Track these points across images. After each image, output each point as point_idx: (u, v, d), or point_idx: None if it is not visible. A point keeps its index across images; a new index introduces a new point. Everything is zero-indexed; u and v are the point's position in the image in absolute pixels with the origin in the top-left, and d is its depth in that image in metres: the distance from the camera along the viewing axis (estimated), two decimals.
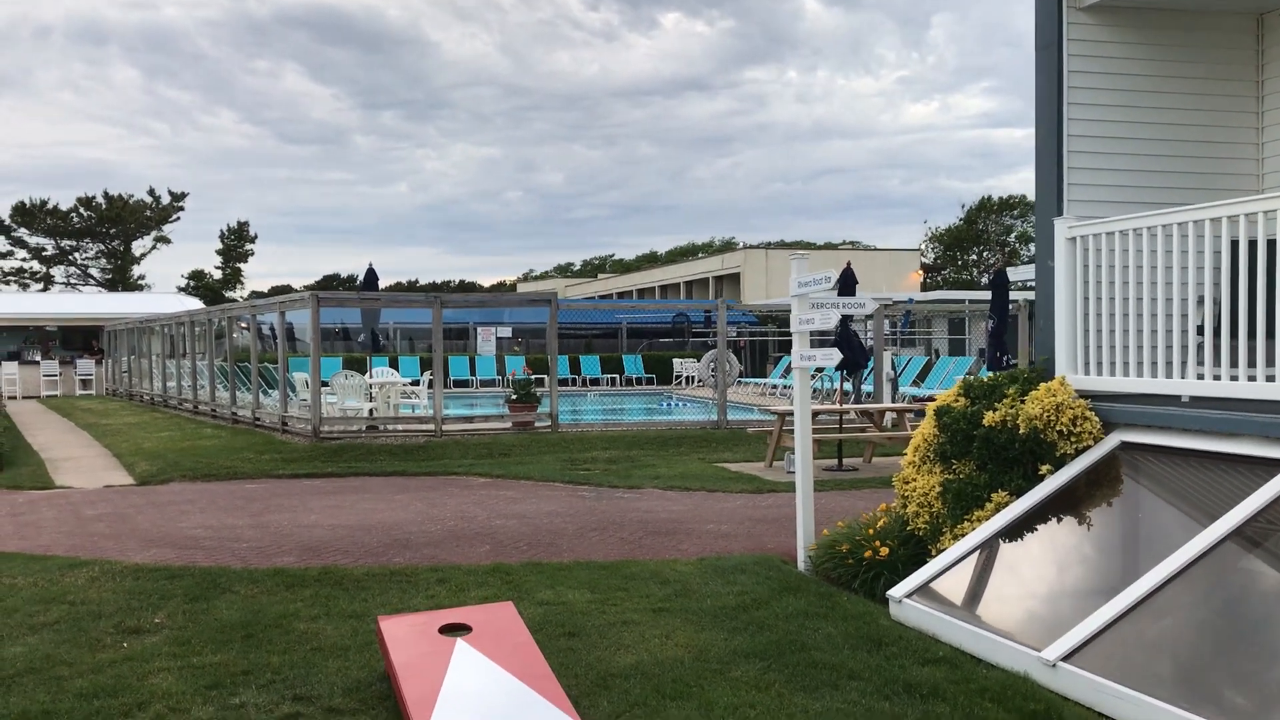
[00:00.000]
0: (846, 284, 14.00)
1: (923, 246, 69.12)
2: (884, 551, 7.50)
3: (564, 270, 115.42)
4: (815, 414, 15.27)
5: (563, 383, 33.98)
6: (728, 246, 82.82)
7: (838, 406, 15.14)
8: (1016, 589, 6.58)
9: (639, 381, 37.81)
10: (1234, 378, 6.65)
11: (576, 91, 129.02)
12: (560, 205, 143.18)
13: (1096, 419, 7.03)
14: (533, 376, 21.33)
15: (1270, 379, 6.14)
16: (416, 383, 22.00)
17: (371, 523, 10.69)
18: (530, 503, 11.92)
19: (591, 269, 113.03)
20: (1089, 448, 7.01)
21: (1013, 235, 68.71)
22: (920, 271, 64.07)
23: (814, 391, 24.75)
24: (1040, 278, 7.87)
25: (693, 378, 36.01)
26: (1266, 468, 5.87)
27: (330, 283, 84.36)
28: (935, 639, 6.20)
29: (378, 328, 22.26)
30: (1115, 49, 7.76)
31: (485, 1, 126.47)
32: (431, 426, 17.81)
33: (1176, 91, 7.89)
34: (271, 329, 23.99)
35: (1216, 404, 6.45)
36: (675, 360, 38.05)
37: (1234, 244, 6.38)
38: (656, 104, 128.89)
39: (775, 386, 28.80)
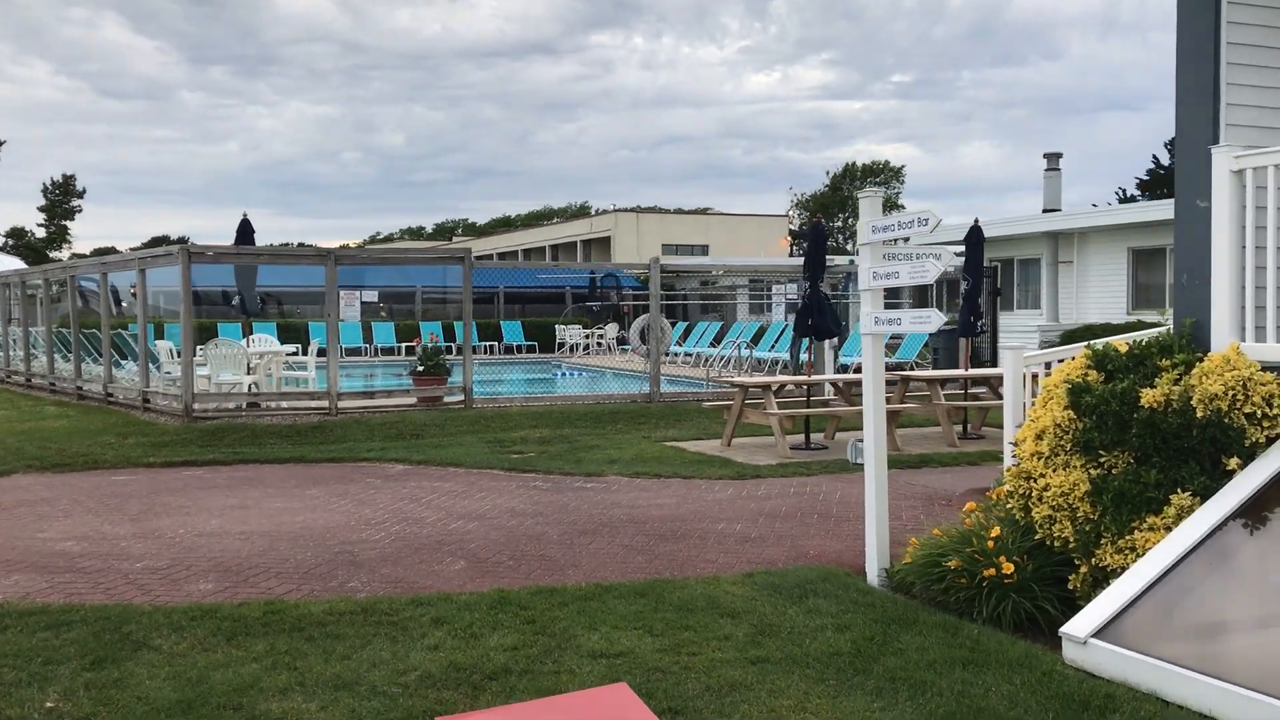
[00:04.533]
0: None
1: (789, 213, 68.67)
2: (1008, 568, 5.92)
3: (415, 233, 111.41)
4: (780, 387, 13.70)
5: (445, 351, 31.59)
6: (583, 211, 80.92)
7: (807, 378, 13.59)
8: (1263, 626, 5.04)
9: (519, 349, 35.74)
10: None
11: (418, 50, 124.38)
12: (402, 167, 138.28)
13: None
14: (440, 344, 19.13)
15: None
16: (295, 353, 19.52)
17: (294, 529, 8.58)
18: (480, 498, 9.96)
19: (444, 232, 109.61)
20: None
21: None
22: (788, 238, 63.59)
23: (758, 362, 23.27)
24: (1184, 222, 6.39)
25: (577, 345, 34.16)
26: None
27: (159, 245, 78.80)
28: (1159, 697, 4.63)
29: (254, 290, 19.64)
30: None
31: None
32: (325, 403, 15.51)
33: None
34: (114, 290, 21.07)
35: None
36: (557, 326, 36.09)
37: None
38: (501, 66, 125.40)
39: (691, 355, 27.21)
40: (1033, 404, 8.23)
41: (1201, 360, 5.84)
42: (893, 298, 31.70)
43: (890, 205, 68.83)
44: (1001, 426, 14.83)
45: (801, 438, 13.20)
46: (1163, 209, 24.11)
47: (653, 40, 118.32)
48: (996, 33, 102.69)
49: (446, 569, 7.23)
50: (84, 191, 65.78)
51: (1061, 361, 8.40)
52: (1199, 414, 5.56)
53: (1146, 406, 5.72)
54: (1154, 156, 52.72)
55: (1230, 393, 5.52)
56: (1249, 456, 5.52)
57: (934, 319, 6.32)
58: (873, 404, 6.79)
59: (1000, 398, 14.82)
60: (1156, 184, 51.64)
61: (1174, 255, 6.51)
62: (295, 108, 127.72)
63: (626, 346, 33.43)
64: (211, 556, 7.64)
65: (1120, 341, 6.41)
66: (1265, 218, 5.83)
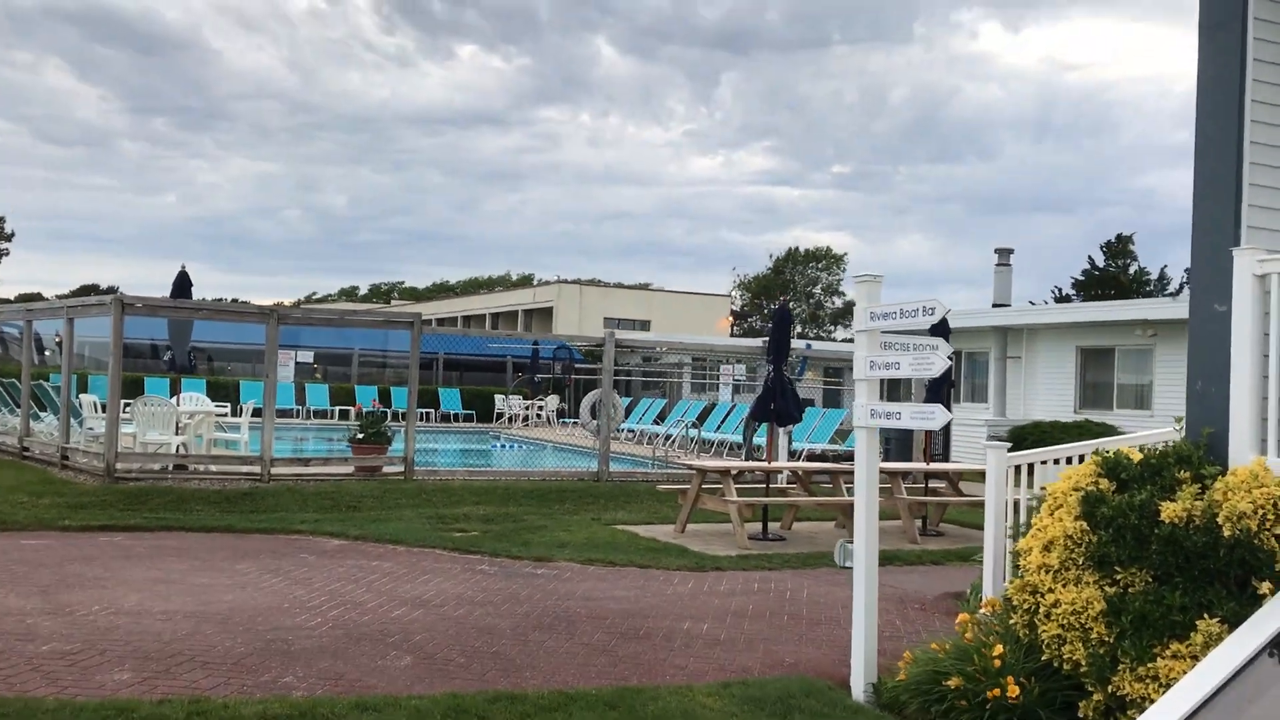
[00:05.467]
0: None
1: (732, 293, 68.93)
2: (1014, 691, 5.45)
3: (350, 294, 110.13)
4: (738, 473, 13.23)
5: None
6: (526, 281, 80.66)
7: (767, 464, 13.13)
8: None
9: (456, 418, 34.93)
10: None
11: (365, 114, 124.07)
12: (343, 228, 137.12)
13: None
14: (380, 410, 18.38)
15: None
16: (226, 413, 18.65)
17: (222, 609, 7.85)
18: (423, 581, 9.29)
19: (380, 294, 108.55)
20: None
21: (818, 287, 69.52)
22: (730, 318, 63.74)
23: (704, 443, 22.76)
24: (1199, 326, 6.07)
25: (517, 415, 33.47)
26: None
27: (89, 293, 76.73)
28: None
29: (187, 345, 18.80)
30: None
31: (274, 14, 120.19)
32: (257, 469, 14.69)
33: None
34: (38, 338, 20.10)
35: None
36: (498, 396, 35.37)
37: None
38: (448, 134, 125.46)
39: (634, 432, 26.64)
40: (1012, 503, 7.87)
41: (1223, 474, 5.48)
42: (834, 379, 31.62)
43: (832, 291, 69.47)
44: (960, 523, 14.53)
45: (758, 526, 12.70)
46: (1112, 310, 24.28)
47: (599, 118, 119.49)
48: (934, 131, 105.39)
49: (392, 665, 6.56)
50: (12, 235, 63.98)
51: (1055, 464, 8.05)
52: (1226, 533, 5.17)
53: (1168, 522, 5.33)
54: (1089, 258, 53.83)
55: (1260, 512, 5.14)
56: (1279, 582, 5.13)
57: (939, 416, 5.91)
58: (865, 504, 6.33)
59: (960, 493, 14.52)
60: (1091, 285, 52.63)
61: (1188, 360, 6.18)
62: (239, 163, 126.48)
63: (567, 420, 32.84)
64: (130, 639, 6.89)
65: (1132, 449, 6.04)
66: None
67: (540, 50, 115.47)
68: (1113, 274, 52.68)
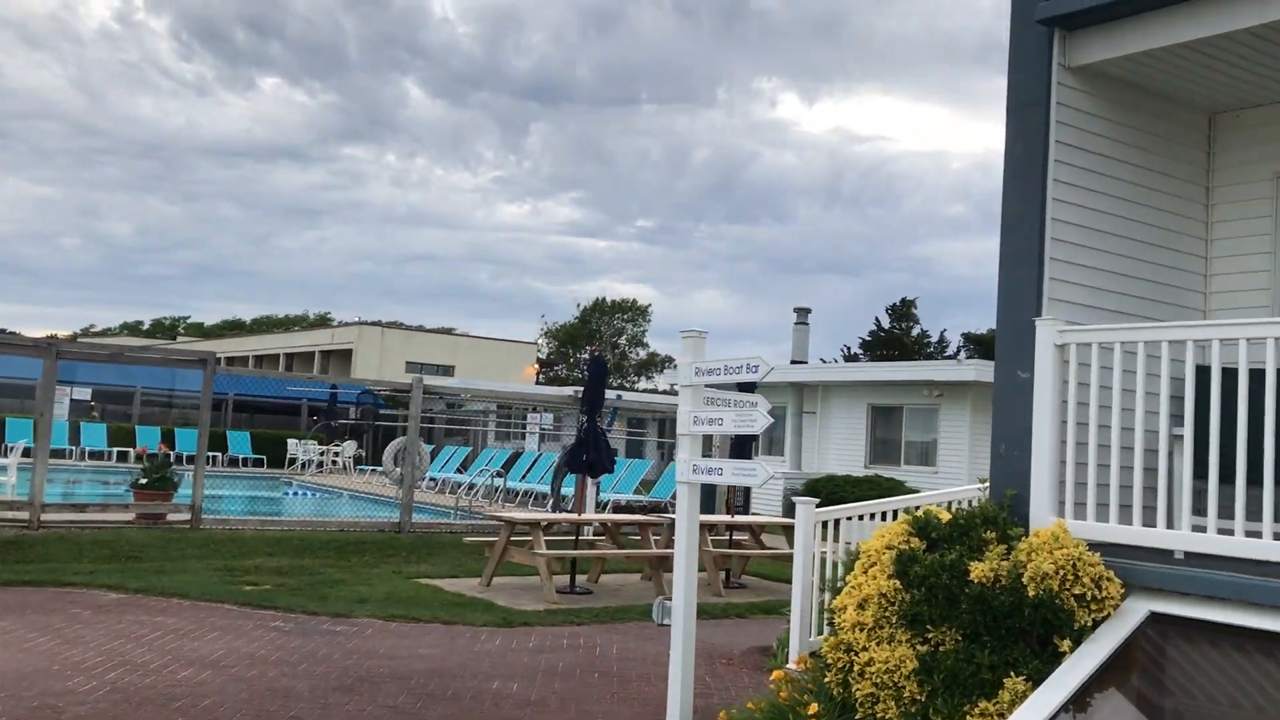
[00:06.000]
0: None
1: (539, 341, 68.86)
2: None
3: (133, 328, 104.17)
4: (549, 525, 13.04)
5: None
6: (324, 321, 78.33)
7: (577, 516, 12.97)
8: None
9: (245, 462, 33.32)
10: (1254, 534, 5.42)
11: (157, 141, 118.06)
12: (127, 258, 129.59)
13: (1118, 581, 5.49)
14: (165, 453, 17.26)
15: None
16: None
17: None
18: (212, 639, 8.68)
19: (165, 329, 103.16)
20: (1108, 617, 5.44)
21: (623, 337, 70.30)
22: (536, 365, 63.59)
23: (509, 493, 22.32)
24: (1003, 392, 6.33)
25: (310, 461, 32.22)
26: None
27: None
28: None
29: None
30: (1096, 123, 6.51)
31: (62, 32, 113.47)
32: (25, 515, 13.52)
33: (1148, 186, 6.78)
34: None
35: (1226, 565, 5.17)
36: (290, 440, 33.96)
37: (1234, 372, 5.19)
38: (245, 166, 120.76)
39: (437, 481, 25.93)
40: (819, 556, 8.01)
41: (1026, 535, 5.71)
42: (637, 430, 31.88)
43: (636, 343, 70.41)
44: (762, 576, 14.77)
45: (566, 579, 12.53)
46: (902, 371, 25.43)
47: (406, 159, 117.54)
48: (734, 192, 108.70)
49: None
50: None
51: (860, 519, 8.25)
52: (1031, 593, 5.37)
53: (977, 581, 5.49)
54: (876, 319, 56.51)
55: (1061, 572, 5.37)
56: (1078, 639, 5.36)
57: (760, 473, 5.94)
58: (685, 560, 6.29)
59: (762, 545, 14.77)
60: (878, 345, 55.27)
61: (993, 424, 6.44)
62: (13, 184, 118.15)
63: (365, 467, 31.84)
64: None
65: (941, 509, 6.23)
66: (1088, 394, 5.83)
67: (347, 87, 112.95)
68: (897, 335, 55.49)
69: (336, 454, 32.94)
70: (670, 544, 13.58)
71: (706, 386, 6.34)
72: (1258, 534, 5.26)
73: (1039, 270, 6.24)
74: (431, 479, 25.94)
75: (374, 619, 9.94)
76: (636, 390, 56.64)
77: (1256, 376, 5.48)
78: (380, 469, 27.29)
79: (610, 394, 23.73)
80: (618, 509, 19.26)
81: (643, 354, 69.88)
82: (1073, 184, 6.36)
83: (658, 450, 32.58)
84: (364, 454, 35.79)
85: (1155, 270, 6.86)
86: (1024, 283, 6.29)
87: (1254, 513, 5.30)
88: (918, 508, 6.54)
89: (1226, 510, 5.45)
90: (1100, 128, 6.52)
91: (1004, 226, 6.42)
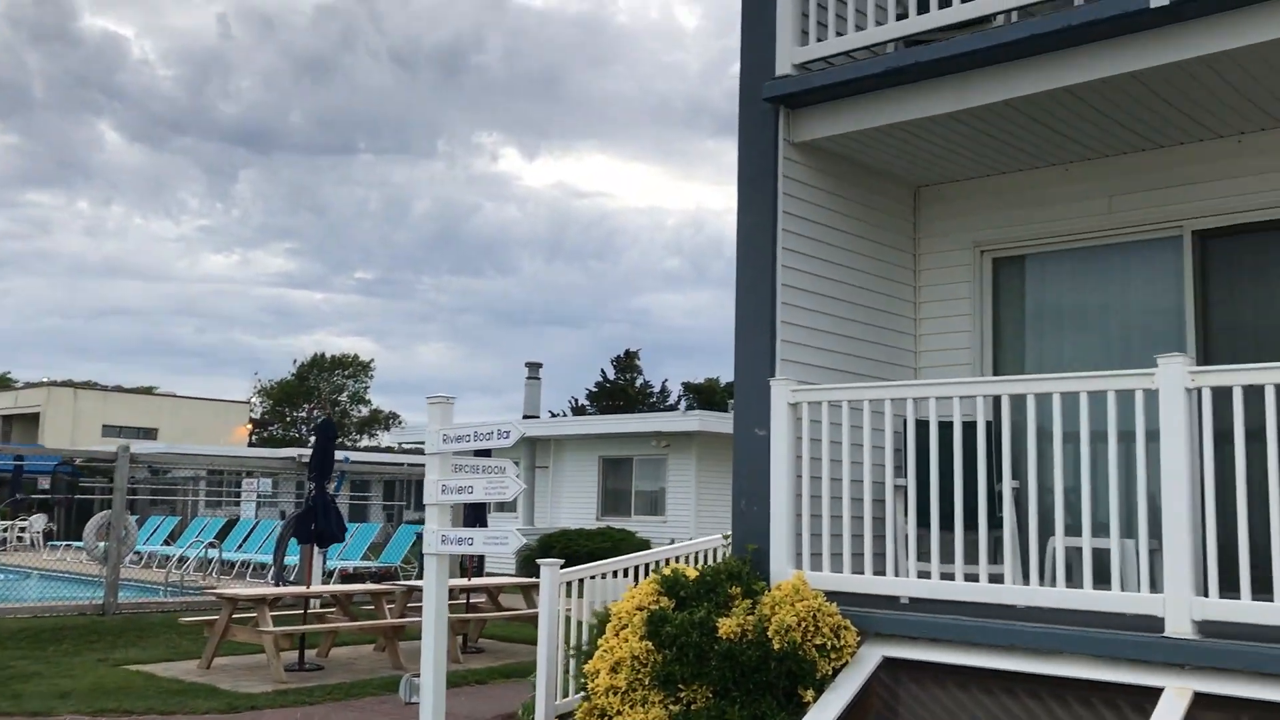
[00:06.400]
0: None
1: (251, 400, 65.58)
2: None
3: None
4: (274, 599, 12.32)
5: None
6: (4, 382, 71.49)
7: (306, 589, 12.31)
8: None
9: None
10: (972, 577, 5.89)
11: None
12: None
13: (854, 629, 5.77)
14: None
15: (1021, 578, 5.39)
16: None
17: None
18: None
19: None
20: (846, 665, 5.71)
21: (344, 395, 68.14)
22: (249, 425, 60.55)
23: (225, 564, 20.81)
24: (742, 449, 6.57)
25: None
26: (1105, 695, 5.00)
27: None
28: None
29: None
30: (820, 195, 6.94)
31: None
32: None
33: (866, 254, 7.26)
34: None
35: (949, 607, 5.60)
36: None
37: (961, 425, 5.69)
38: None
39: (142, 555, 23.93)
40: (566, 616, 7.99)
41: (769, 589, 5.92)
42: (361, 493, 30.89)
43: (358, 400, 68.41)
44: (500, 638, 14.55)
45: (294, 655, 11.87)
46: (631, 422, 25.98)
47: (100, 206, 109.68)
48: (456, 244, 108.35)
49: None
50: None
51: (603, 578, 8.29)
52: (776, 646, 5.56)
53: (725, 638, 5.64)
54: (601, 371, 57.63)
55: (803, 624, 5.60)
56: (820, 689, 5.59)
57: (512, 540, 5.86)
58: (435, 635, 6.10)
59: (500, 608, 14.57)
60: (604, 396, 56.38)
61: (734, 481, 6.67)
62: None
63: (57, 543, 29.11)
64: None
65: (688, 567, 6.36)
66: (821, 450, 6.14)
67: (32, 128, 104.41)
68: (622, 386, 56.81)
69: (23, 529, 29.96)
70: (405, 612, 13.18)
71: (462, 449, 6.21)
72: (976, 577, 5.68)
73: (772, 333, 6.54)
74: (136, 553, 24.05)
75: (79, 715, 9.03)
76: (360, 449, 54.96)
77: (969, 429, 5.96)
78: (80, 544, 25.05)
79: (339, 455, 22.89)
80: (346, 577, 18.53)
81: (365, 411, 67.99)
82: (801, 252, 6.73)
83: (384, 512, 31.71)
84: (55, 528, 32.75)
85: (877, 332, 7.35)
86: (759, 345, 6.58)
87: (972, 557, 5.73)
88: (666, 562, 6.67)
89: (948, 555, 5.87)
90: (823, 199, 6.96)
91: (739, 292, 6.70)
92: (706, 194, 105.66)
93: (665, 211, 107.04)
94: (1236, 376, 4.91)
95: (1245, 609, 4.76)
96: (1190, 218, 6.74)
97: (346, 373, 67.99)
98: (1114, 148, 6.89)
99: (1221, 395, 4.98)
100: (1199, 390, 4.99)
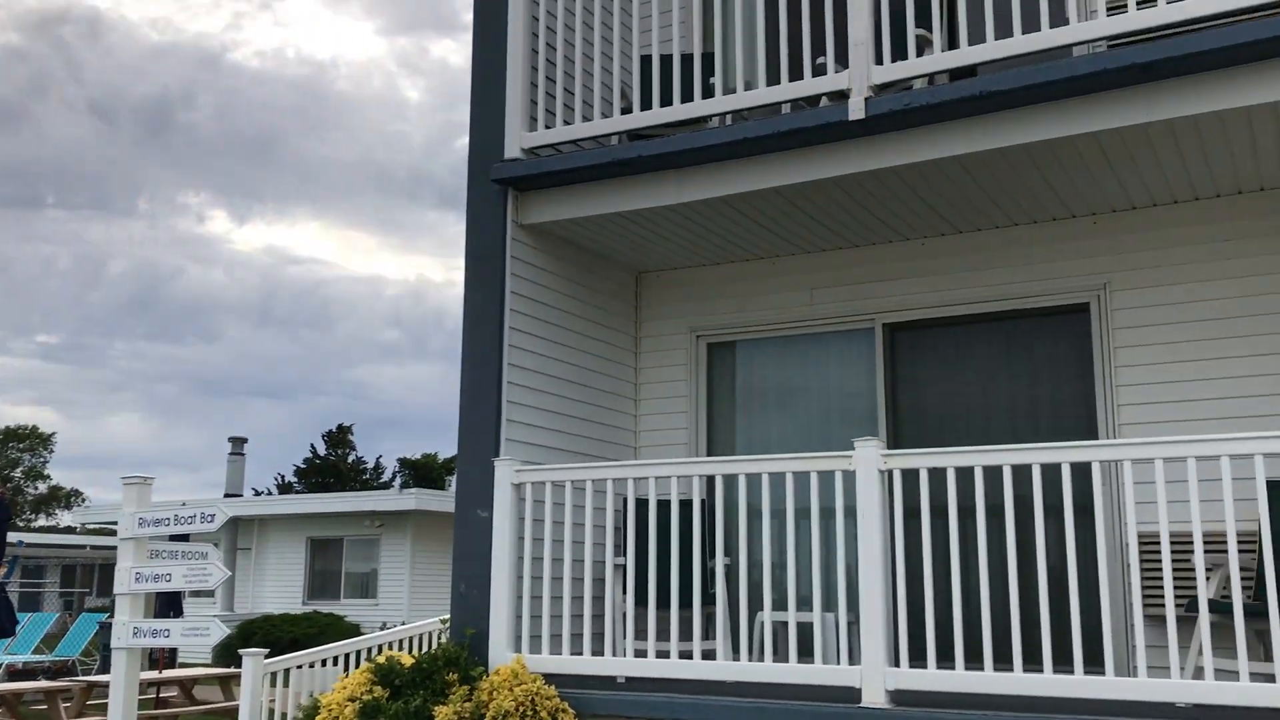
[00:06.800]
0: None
1: None
2: None
3: None
4: None
5: None
6: None
7: None
8: None
9: None
10: (687, 654, 6.07)
11: None
12: None
13: (572, 711, 5.77)
14: None
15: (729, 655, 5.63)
16: None
17: None
18: None
19: None
20: None
21: (19, 470, 62.06)
22: None
23: None
24: (464, 531, 6.47)
25: None
26: None
27: None
28: None
29: None
30: (547, 277, 7.03)
31: None
32: None
33: (591, 336, 7.40)
34: None
35: (665, 685, 5.74)
36: None
37: (650, 503, 5.92)
38: None
39: None
40: (269, 709, 7.58)
41: (488, 674, 5.84)
42: (34, 580, 28.08)
43: (36, 475, 62.50)
44: None
45: None
46: (342, 501, 25.06)
47: None
48: (155, 308, 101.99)
49: None
50: None
51: (311, 667, 7.91)
52: None
53: None
54: (312, 446, 55.42)
55: (521, 709, 5.54)
56: None
57: (215, 631, 5.49)
58: None
59: (194, 701, 13.56)
60: (313, 472, 54.12)
61: (453, 564, 6.55)
62: None
63: None
64: None
65: (403, 654, 6.17)
66: (543, 530, 6.15)
67: None
68: (333, 463, 54.78)
69: None
70: (84, 711, 12.04)
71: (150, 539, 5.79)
72: (690, 654, 5.83)
73: (498, 413, 6.54)
74: None
75: None
76: (35, 529, 50.04)
77: (685, 507, 6.16)
78: None
79: (11, 537, 20.74)
80: (15, 674, 16.72)
81: (43, 487, 62.16)
82: (527, 332, 6.80)
83: (60, 600, 29.02)
84: None
85: (600, 412, 7.49)
86: (483, 425, 6.55)
87: (687, 634, 5.88)
88: (380, 648, 6.45)
89: (664, 633, 5.99)
90: (551, 281, 7.07)
91: (464, 372, 6.67)
92: (428, 266, 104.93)
93: (385, 281, 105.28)
94: (923, 460, 5.33)
95: (932, 678, 5.12)
96: (881, 311, 7.33)
97: (22, 445, 62.06)
98: (816, 245, 7.41)
99: (910, 476, 5.40)
100: (890, 472, 5.39)
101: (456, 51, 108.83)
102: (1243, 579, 5.81)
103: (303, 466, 54.34)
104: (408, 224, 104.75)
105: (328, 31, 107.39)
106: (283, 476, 54.19)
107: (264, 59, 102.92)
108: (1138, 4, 5.51)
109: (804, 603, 6.65)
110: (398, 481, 52.86)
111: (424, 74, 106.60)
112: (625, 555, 6.14)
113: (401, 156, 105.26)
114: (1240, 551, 5.88)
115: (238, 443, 27.58)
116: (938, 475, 5.33)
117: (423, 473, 51.78)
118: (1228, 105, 5.22)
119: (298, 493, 45.52)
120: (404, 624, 7.85)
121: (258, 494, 38.14)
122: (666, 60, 7.05)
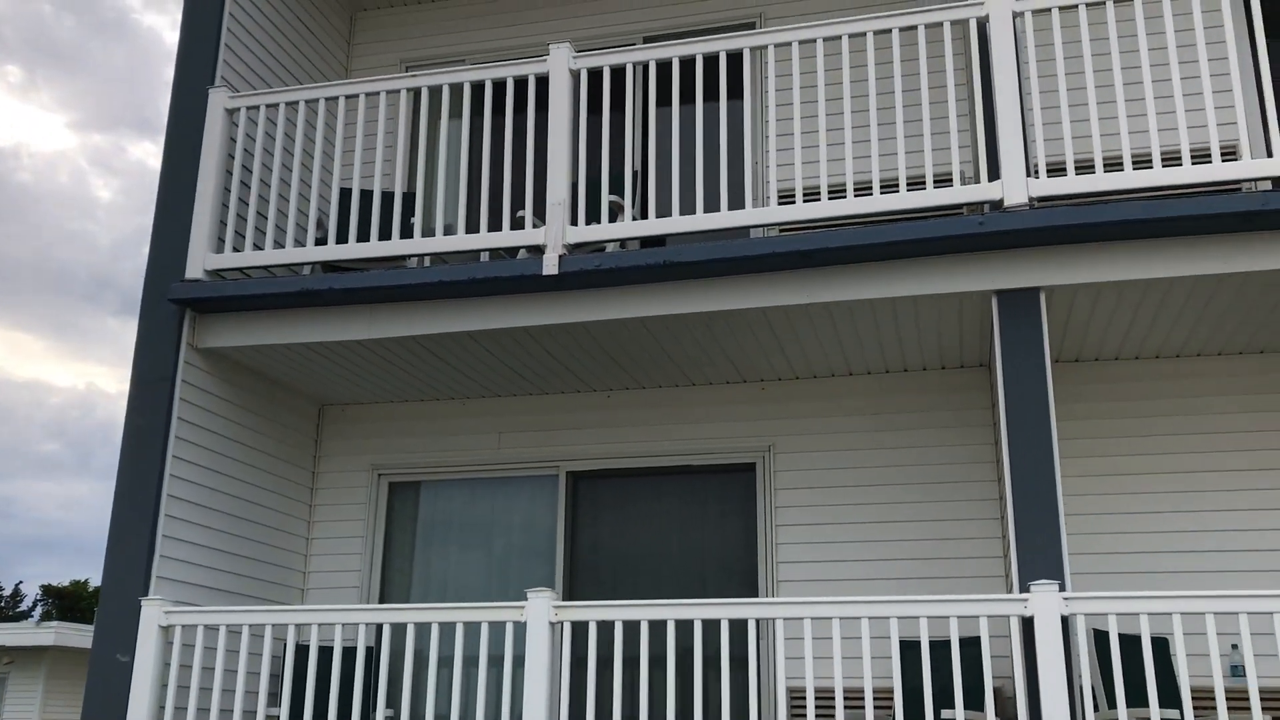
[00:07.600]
0: None
1: None
2: None
3: None
4: None
5: None
6: None
7: None
8: None
9: None
10: None
11: None
12: None
13: None
14: None
15: None
16: None
17: None
18: None
19: None
20: None
21: None
22: None
23: None
24: (98, 677, 5.88)
25: None
26: None
27: None
28: None
29: None
30: (221, 405, 6.67)
31: None
32: None
33: (264, 469, 7.05)
34: None
35: None
36: None
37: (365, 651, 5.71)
38: None
39: None
40: None
41: None
42: None
43: None
44: None
45: None
46: None
47: None
48: None
49: None
50: None
51: None
52: None
53: None
54: None
55: None
56: None
57: None
58: None
59: None
60: None
61: (82, 712, 5.93)
62: None
63: None
64: None
65: None
66: (189, 677, 5.71)
67: None
68: None
69: None
70: None
71: None
72: None
73: (150, 548, 6.10)
74: None
75: None
76: None
77: (349, 655, 5.90)
78: None
79: None
80: None
81: None
82: (193, 462, 6.43)
83: None
84: None
85: (269, 551, 7.12)
86: (133, 560, 6.08)
87: None
88: None
89: None
90: (224, 409, 6.74)
91: (116, 500, 6.20)
92: (101, 375, 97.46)
93: (49, 389, 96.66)
94: (592, 613, 5.40)
95: None
96: (566, 459, 7.46)
97: None
98: (507, 389, 7.49)
99: (580, 626, 5.45)
100: (561, 624, 5.41)
101: (156, 155, 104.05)
102: None
103: None
104: (84, 329, 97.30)
105: (15, 117, 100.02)
106: None
107: None
108: (804, 198, 6.08)
109: None
110: (38, 611, 47.53)
111: (118, 174, 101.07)
112: (280, 706, 5.78)
113: (85, 256, 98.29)
114: (876, 708, 6.28)
115: None
116: (606, 628, 5.41)
117: (70, 602, 46.81)
118: (873, 295, 5.79)
119: None
120: None
121: None
122: (367, 195, 7.04)
